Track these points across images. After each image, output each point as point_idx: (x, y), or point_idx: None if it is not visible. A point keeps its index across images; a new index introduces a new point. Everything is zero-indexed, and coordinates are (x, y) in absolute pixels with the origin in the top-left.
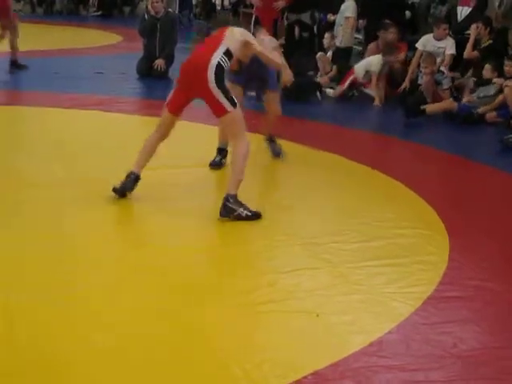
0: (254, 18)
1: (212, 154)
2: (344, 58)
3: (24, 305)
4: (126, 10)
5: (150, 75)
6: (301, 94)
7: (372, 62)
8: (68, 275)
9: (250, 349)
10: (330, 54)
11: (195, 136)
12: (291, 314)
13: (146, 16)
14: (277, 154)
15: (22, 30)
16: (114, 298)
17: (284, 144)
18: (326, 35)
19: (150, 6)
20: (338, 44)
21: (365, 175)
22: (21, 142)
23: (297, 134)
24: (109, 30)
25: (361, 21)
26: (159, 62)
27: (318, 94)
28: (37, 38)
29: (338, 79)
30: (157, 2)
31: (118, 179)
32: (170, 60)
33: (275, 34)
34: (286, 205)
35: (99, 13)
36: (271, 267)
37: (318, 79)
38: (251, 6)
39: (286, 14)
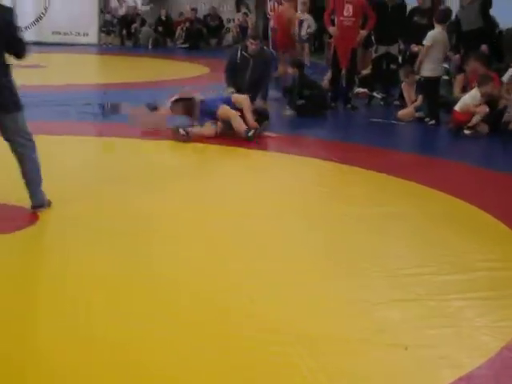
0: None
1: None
2: (431, 88)
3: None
4: (213, 41)
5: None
6: None
7: (469, 98)
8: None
9: (340, 382)
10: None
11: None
12: (380, 347)
13: (238, 53)
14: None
15: (111, 63)
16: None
17: (367, 172)
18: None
19: (249, 46)
20: (424, 74)
21: (449, 205)
22: (128, 173)
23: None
24: (195, 61)
25: (450, 52)
26: (262, 105)
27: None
28: (125, 70)
29: (424, 109)
30: (255, 44)
31: (223, 208)
32: (266, 97)
33: (353, 64)
34: (370, 234)
35: (186, 45)
36: (359, 299)
37: (401, 112)
38: (329, 35)
39: (375, 46)
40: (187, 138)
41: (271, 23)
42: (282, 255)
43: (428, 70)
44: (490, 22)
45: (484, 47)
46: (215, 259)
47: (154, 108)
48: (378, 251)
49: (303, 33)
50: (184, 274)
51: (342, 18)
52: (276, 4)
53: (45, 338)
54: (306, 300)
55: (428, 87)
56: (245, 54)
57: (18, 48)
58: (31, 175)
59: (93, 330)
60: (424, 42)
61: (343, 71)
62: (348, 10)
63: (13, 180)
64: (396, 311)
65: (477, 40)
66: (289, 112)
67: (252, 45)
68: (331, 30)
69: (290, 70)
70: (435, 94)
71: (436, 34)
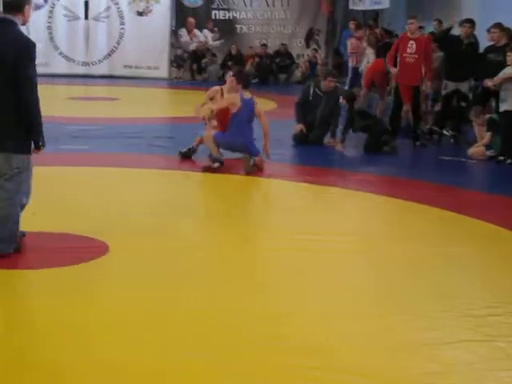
0: None
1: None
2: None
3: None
4: (282, 77)
5: (306, 143)
6: None
7: None
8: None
9: None
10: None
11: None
12: None
13: (311, 90)
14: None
15: (181, 96)
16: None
17: (436, 211)
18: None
19: (326, 83)
20: (505, 107)
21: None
22: (194, 206)
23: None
24: (264, 96)
25: None
26: (335, 145)
27: None
28: (194, 103)
29: (495, 146)
30: (333, 82)
31: (284, 243)
32: (335, 134)
33: (416, 101)
34: (438, 273)
35: (255, 80)
36: (429, 339)
37: (471, 150)
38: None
39: (444, 83)
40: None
41: (351, 61)
42: (350, 293)
43: (508, 104)
44: None
45: None
46: (282, 298)
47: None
48: (447, 291)
49: (362, 67)
50: (252, 315)
51: (404, 55)
52: (356, 41)
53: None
54: (371, 339)
55: (508, 122)
56: (317, 91)
57: (19, 83)
58: None
59: (158, 364)
60: (504, 71)
61: (405, 108)
62: (411, 46)
63: (82, 211)
64: (465, 352)
65: None
66: (340, 146)
67: (330, 82)
68: (392, 70)
69: (342, 102)
70: None
71: None
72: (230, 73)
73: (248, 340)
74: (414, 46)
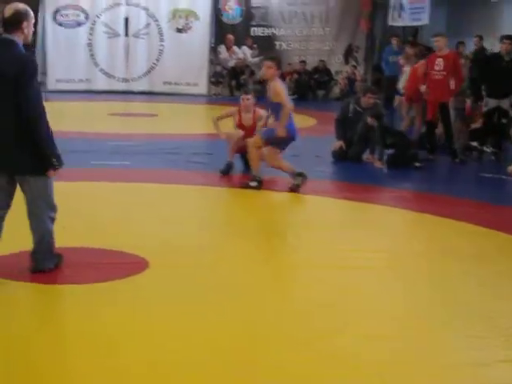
0: None
1: None
2: None
3: None
4: (320, 93)
5: (345, 159)
6: None
7: None
8: None
9: None
10: None
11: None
12: None
13: (350, 106)
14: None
15: (220, 113)
16: None
17: (477, 228)
18: None
19: (366, 99)
20: None
21: None
22: (223, 221)
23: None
24: (303, 113)
25: None
26: (371, 159)
27: None
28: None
29: None
30: (372, 98)
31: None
32: (374, 151)
33: (445, 118)
34: (481, 292)
35: (294, 96)
36: (473, 358)
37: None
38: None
39: (485, 100)
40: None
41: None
42: (390, 311)
43: None
44: None
45: None
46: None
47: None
48: (491, 310)
49: (400, 86)
50: (295, 334)
51: (433, 72)
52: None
53: None
54: (416, 360)
55: None
56: (357, 107)
57: (21, 102)
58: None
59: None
60: None
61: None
62: (439, 63)
63: (122, 226)
64: (507, 372)
65: None
66: (379, 163)
67: (370, 98)
68: (422, 88)
69: (370, 121)
70: None
71: None
72: (245, 95)
73: (294, 359)
74: (442, 63)
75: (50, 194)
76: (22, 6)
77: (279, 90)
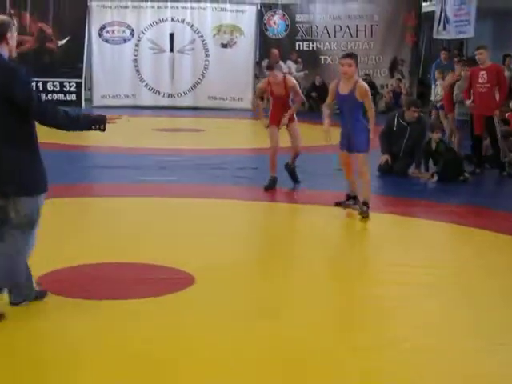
0: None
1: None
2: None
3: None
4: None
5: (391, 173)
6: None
7: None
8: None
9: None
10: None
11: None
12: None
13: (395, 120)
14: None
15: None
16: None
17: None
18: None
19: (410, 113)
20: None
21: None
22: (270, 236)
23: None
24: None
25: None
26: (417, 173)
27: None
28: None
29: None
30: (416, 112)
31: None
32: (419, 165)
33: (491, 131)
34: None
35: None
36: (503, 374)
37: None
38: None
39: None
40: None
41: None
42: (440, 326)
43: None
44: None
45: None
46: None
47: None
48: None
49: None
50: (341, 350)
51: (477, 85)
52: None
53: None
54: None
55: None
56: (402, 121)
57: (37, 114)
58: None
59: None
60: None
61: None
62: (483, 76)
63: (168, 241)
64: None
65: None
66: (429, 176)
67: (414, 112)
68: (467, 102)
69: (435, 137)
70: None
71: None
72: (271, 72)
73: (338, 374)
74: (486, 75)
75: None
76: (3, 17)
77: (367, 89)
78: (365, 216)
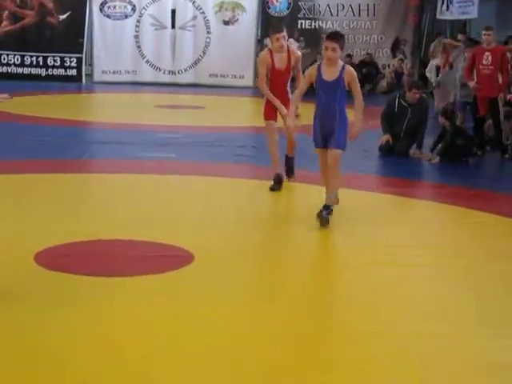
0: None
1: None
2: None
3: None
4: (367, 87)
5: (392, 154)
6: None
7: None
8: None
9: None
10: None
11: None
12: None
13: (396, 101)
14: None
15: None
16: None
17: None
18: None
19: (411, 95)
20: None
21: None
22: (268, 214)
23: None
24: (351, 106)
25: None
26: (418, 154)
27: None
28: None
29: None
30: (418, 94)
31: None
32: (421, 146)
33: (494, 113)
34: None
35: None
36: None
37: None
38: None
39: None
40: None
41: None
42: (438, 310)
43: None
44: None
45: None
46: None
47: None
48: None
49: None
50: (340, 333)
51: (481, 67)
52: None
53: None
54: (461, 359)
55: None
56: (403, 102)
57: None
58: None
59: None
60: None
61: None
62: (487, 58)
63: (167, 219)
64: None
65: None
66: (434, 159)
67: (415, 94)
68: (470, 83)
69: (441, 120)
70: None
71: None
72: (277, 34)
73: (337, 359)
74: (490, 57)
75: None
76: None
77: (355, 74)
78: (324, 223)
